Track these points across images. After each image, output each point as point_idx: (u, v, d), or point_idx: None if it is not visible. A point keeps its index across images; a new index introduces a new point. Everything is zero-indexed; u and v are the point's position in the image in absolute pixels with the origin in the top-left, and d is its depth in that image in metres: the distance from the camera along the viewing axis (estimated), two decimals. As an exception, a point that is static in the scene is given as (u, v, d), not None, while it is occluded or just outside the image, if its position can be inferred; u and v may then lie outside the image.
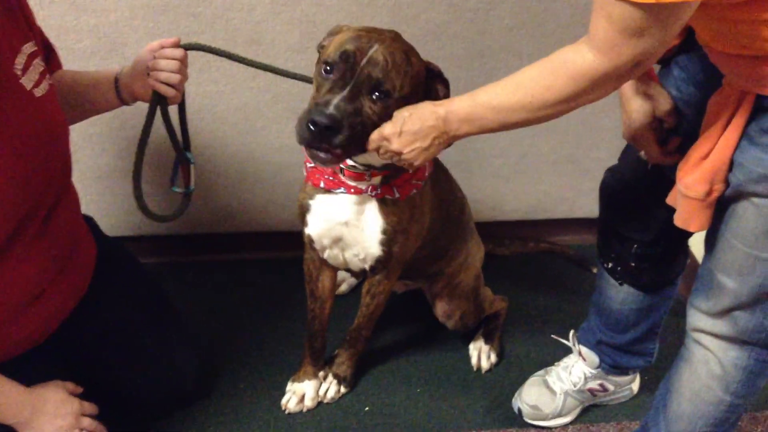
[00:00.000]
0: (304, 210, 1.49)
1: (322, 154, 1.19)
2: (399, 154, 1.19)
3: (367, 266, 1.52)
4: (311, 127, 1.14)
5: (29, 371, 1.36)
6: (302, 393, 1.71)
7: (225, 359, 1.82)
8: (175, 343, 1.61)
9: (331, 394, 1.72)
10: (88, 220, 1.59)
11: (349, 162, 1.33)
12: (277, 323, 1.94)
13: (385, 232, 1.43)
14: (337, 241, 1.48)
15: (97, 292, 1.50)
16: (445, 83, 1.29)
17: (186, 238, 2.11)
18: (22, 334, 1.35)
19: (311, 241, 1.53)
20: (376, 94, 1.19)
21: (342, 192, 1.39)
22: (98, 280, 1.52)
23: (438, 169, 1.56)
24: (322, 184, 1.41)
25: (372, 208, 1.41)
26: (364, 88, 1.19)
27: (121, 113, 1.57)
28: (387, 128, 1.19)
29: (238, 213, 2.08)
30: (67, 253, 1.41)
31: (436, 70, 1.28)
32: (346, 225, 1.44)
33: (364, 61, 1.18)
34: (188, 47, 1.36)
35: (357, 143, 1.20)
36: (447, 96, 1.28)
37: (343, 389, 1.74)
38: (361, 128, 1.19)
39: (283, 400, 1.70)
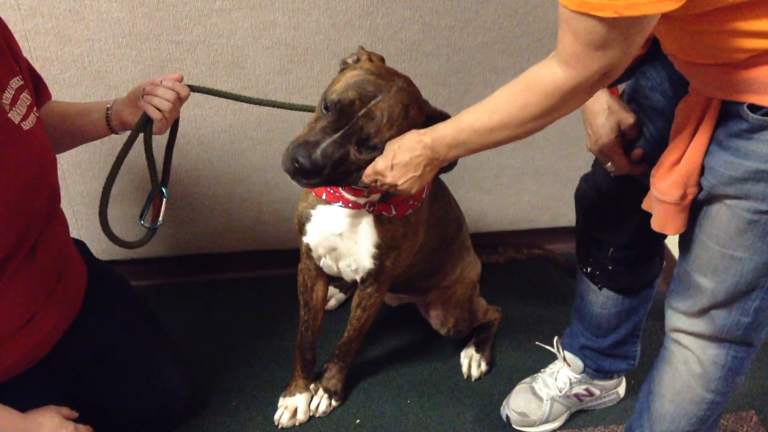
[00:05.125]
0: (303, 220, 1.52)
1: (304, 180, 1.24)
2: (394, 186, 1.23)
3: (358, 277, 1.56)
4: (295, 163, 1.20)
5: (23, 396, 1.38)
6: (294, 407, 1.73)
7: (216, 378, 1.83)
8: (166, 364, 1.63)
9: (322, 408, 1.74)
10: (79, 245, 1.61)
11: None
12: (266, 341, 1.96)
13: (378, 246, 1.47)
14: (332, 251, 1.52)
15: (88, 314, 1.52)
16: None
17: (174, 260, 2.13)
18: (14, 358, 1.37)
19: (309, 249, 1.57)
20: (365, 146, 1.23)
21: (340, 205, 1.43)
22: (89, 302, 1.54)
23: (437, 188, 1.58)
24: (324, 196, 1.44)
25: (367, 222, 1.45)
26: (354, 138, 1.22)
27: (109, 140, 1.59)
28: (379, 163, 1.22)
29: (225, 233, 2.10)
30: (57, 277, 1.43)
31: (437, 115, 1.29)
32: (341, 237, 1.48)
33: (362, 112, 1.22)
34: (195, 89, 1.40)
35: (338, 181, 1.26)
36: None
37: (334, 402, 1.76)
38: (344, 171, 1.24)
39: (276, 416, 1.73)
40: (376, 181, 1.25)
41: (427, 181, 1.27)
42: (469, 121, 1.15)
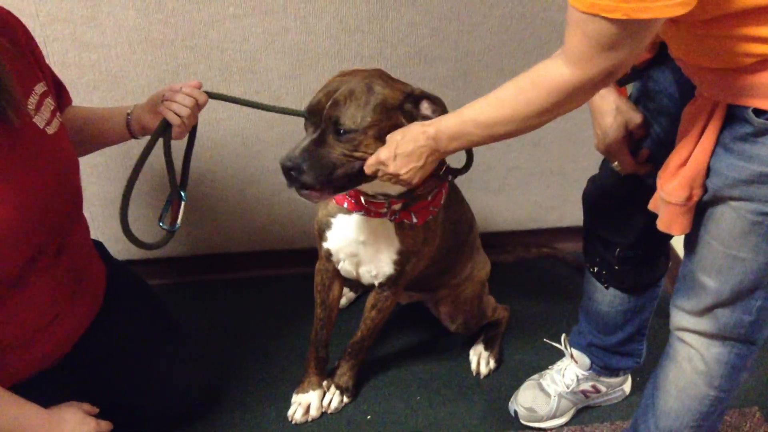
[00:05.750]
0: (323, 227, 1.57)
1: (304, 191, 1.29)
2: (397, 175, 1.25)
3: (377, 282, 1.60)
4: (284, 174, 1.27)
5: (45, 392, 1.41)
6: (308, 404, 1.76)
7: (231, 374, 1.87)
8: (182, 360, 1.66)
9: (334, 404, 1.78)
10: (98, 245, 1.65)
11: (369, 192, 1.41)
12: (279, 338, 1.99)
13: (400, 253, 1.51)
14: (352, 256, 1.56)
15: (108, 312, 1.56)
16: (434, 100, 1.33)
17: (189, 260, 2.17)
18: (39, 355, 1.41)
19: (329, 254, 1.61)
20: (340, 131, 1.27)
21: (362, 214, 1.46)
22: (108, 301, 1.58)
23: (452, 191, 1.61)
24: (345, 205, 1.48)
25: (389, 230, 1.49)
26: (329, 129, 1.27)
27: (124, 143, 1.63)
28: (383, 153, 1.25)
29: (238, 233, 2.14)
30: (79, 277, 1.47)
31: (417, 93, 1.32)
32: (363, 244, 1.52)
33: (329, 104, 1.27)
34: (212, 96, 1.43)
35: (329, 176, 1.28)
36: (442, 112, 1.32)
37: (345, 399, 1.79)
38: (329, 164, 1.27)
39: (290, 412, 1.76)
40: (377, 171, 1.27)
41: (428, 173, 1.29)
42: (472, 114, 1.17)
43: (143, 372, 1.60)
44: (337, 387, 1.79)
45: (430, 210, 1.48)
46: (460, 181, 1.66)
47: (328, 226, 1.56)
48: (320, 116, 1.28)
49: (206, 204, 2.04)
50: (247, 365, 1.91)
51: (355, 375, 1.81)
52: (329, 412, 1.78)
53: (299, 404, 1.77)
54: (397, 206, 1.44)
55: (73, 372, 1.52)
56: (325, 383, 1.80)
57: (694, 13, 0.94)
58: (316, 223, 1.60)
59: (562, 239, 2.32)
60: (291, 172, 1.25)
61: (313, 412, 1.76)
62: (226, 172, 2.00)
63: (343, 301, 2.09)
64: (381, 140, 1.28)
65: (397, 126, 1.29)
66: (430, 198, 1.46)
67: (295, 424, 1.75)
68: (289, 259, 2.19)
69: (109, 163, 1.91)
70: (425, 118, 1.31)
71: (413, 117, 1.31)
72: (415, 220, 1.46)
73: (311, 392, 1.77)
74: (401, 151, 1.23)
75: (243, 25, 1.74)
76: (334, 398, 1.78)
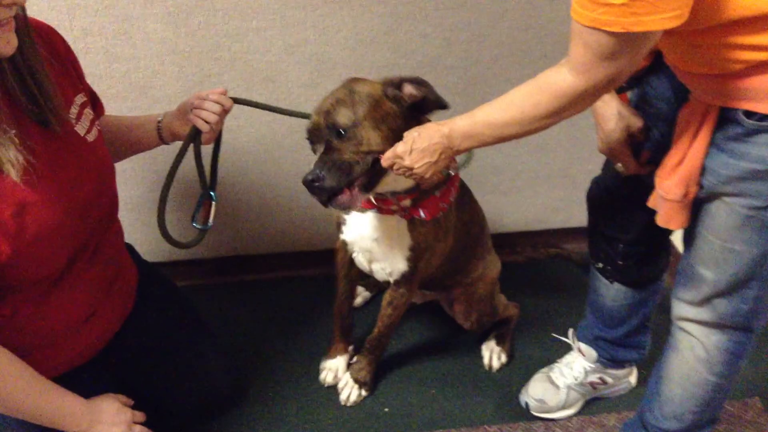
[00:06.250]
0: (340, 221, 1.66)
1: (334, 200, 1.36)
2: (411, 169, 1.32)
3: (392, 279, 1.67)
4: (309, 191, 1.34)
5: (82, 385, 1.47)
6: (336, 368, 1.90)
7: (254, 370, 1.94)
8: (210, 357, 1.72)
9: (353, 397, 1.85)
10: (128, 247, 1.72)
11: (378, 190, 1.47)
12: (299, 336, 2.06)
13: (412, 249, 1.58)
14: (366, 252, 1.64)
15: (140, 311, 1.64)
16: (415, 80, 1.40)
17: (212, 262, 2.24)
18: (78, 350, 1.49)
19: (345, 243, 1.70)
20: (340, 133, 1.35)
21: (375, 212, 1.54)
22: (140, 300, 1.65)
23: (463, 194, 1.68)
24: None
25: (401, 227, 1.56)
26: (332, 137, 1.36)
27: (152, 151, 1.70)
28: (399, 147, 1.33)
29: (259, 236, 2.20)
30: (113, 277, 1.54)
31: (395, 81, 1.40)
32: (377, 241, 1.59)
33: (323, 118, 1.36)
34: (237, 101, 1.52)
35: (359, 176, 1.36)
36: (424, 92, 1.40)
37: (363, 393, 1.86)
38: (348, 165, 1.35)
39: (321, 377, 1.90)
40: (394, 164, 1.35)
41: (440, 169, 1.35)
42: (484, 115, 1.24)
43: (173, 368, 1.66)
44: (356, 381, 1.86)
45: (440, 206, 1.54)
46: (470, 184, 1.74)
47: (343, 222, 1.64)
48: (320, 133, 1.37)
49: (229, 208, 2.11)
50: (270, 361, 1.98)
51: (372, 370, 1.87)
52: (348, 404, 1.85)
53: (329, 369, 1.89)
54: (406, 202, 1.51)
55: (107, 368, 1.59)
56: (344, 376, 1.88)
57: (688, 24, 1.00)
58: (335, 218, 1.68)
59: (569, 239, 2.37)
60: (314, 183, 1.32)
61: (341, 374, 1.88)
62: (247, 176, 2.07)
63: (359, 300, 2.15)
64: (379, 129, 1.36)
65: (387, 113, 1.38)
66: (438, 194, 1.52)
67: (327, 387, 1.87)
68: (308, 260, 2.26)
69: (135, 168, 1.99)
70: (412, 98, 1.40)
71: (399, 100, 1.40)
72: (423, 215, 1.52)
73: (339, 357, 1.90)
74: (417, 147, 1.30)
75: (265, 37, 1.82)
76: (352, 392, 1.85)
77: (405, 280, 1.66)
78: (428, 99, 1.40)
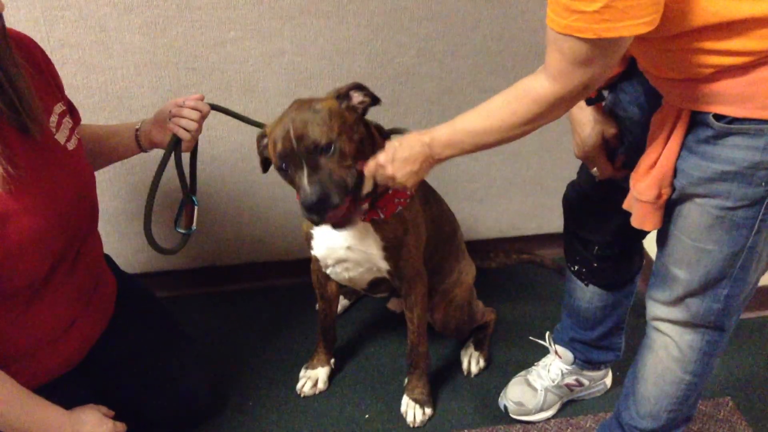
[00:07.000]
0: (309, 237, 1.66)
1: (333, 219, 1.37)
2: (393, 178, 1.35)
3: (391, 279, 1.68)
4: (314, 212, 1.33)
5: (66, 394, 1.47)
6: (316, 377, 1.89)
7: (233, 379, 1.94)
8: (188, 366, 1.73)
9: (419, 418, 1.82)
10: (107, 258, 1.71)
11: None
12: (277, 345, 2.07)
13: (385, 248, 1.59)
14: (341, 262, 1.65)
15: (119, 321, 1.63)
16: (357, 86, 1.42)
17: (189, 272, 2.23)
18: (58, 359, 1.48)
19: (317, 260, 1.70)
20: (323, 150, 1.35)
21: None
22: (119, 310, 1.65)
23: (427, 191, 1.71)
24: None
25: (367, 229, 1.57)
26: (314, 156, 1.35)
27: (129, 162, 1.71)
28: (381, 157, 1.35)
29: (236, 246, 2.21)
30: (93, 287, 1.54)
31: (343, 92, 1.42)
32: (350, 249, 1.60)
33: (295, 142, 1.35)
34: (213, 107, 1.53)
35: (352, 189, 1.38)
36: (368, 96, 1.43)
37: (428, 411, 1.83)
38: (341, 179, 1.36)
39: (298, 386, 1.89)
40: (376, 173, 1.36)
41: (422, 177, 1.37)
42: (464, 124, 1.26)
43: (153, 377, 1.66)
44: (415, 401, 1.83)
45: (396, 202, 1.55)
46: (445, 191, 1.77)
47: (312, 236, 1.65)
48: (295, 155, 1.35)
49: (205, 218, 2.11)
50: (248, 371, 1.98)
51: (425, 384, 1.85)
52: (415, 426, 1.81)
53: (308, 378, 1.89)
54: (364, 206, 1.51)
55: (87, 378, 1.58)
56: (332, 361, 1.90)
57: (658, 30, 1.03)
58: (303, 234, 1.68)
59: (543, 245, 2.41)
60: (321, 203, 1.31)
61: (321, 386, 1.88)
62: (223, 186, 2.07)
63: (339, 308, 2.14)
64: (352, 140, 1.39)
65: (351, 124, 1.40)
66: (391, 191, 1.53)
67: (304, 396, 1.87)
68: (285, 269, 2.27)
69: (113, 180, 1.98)
70: (362, 104, 1.43)
71: (355, 109, 1.43)
72: (382, 215, 1.54)
73: (320, 368, 1.90)
74: (399, 156, 1.33)
75: (242, 47, 1.84)
76: (416, 413, 1.82)
77: (398, 278, 1.67)
78: (374, 101, 1.43)
